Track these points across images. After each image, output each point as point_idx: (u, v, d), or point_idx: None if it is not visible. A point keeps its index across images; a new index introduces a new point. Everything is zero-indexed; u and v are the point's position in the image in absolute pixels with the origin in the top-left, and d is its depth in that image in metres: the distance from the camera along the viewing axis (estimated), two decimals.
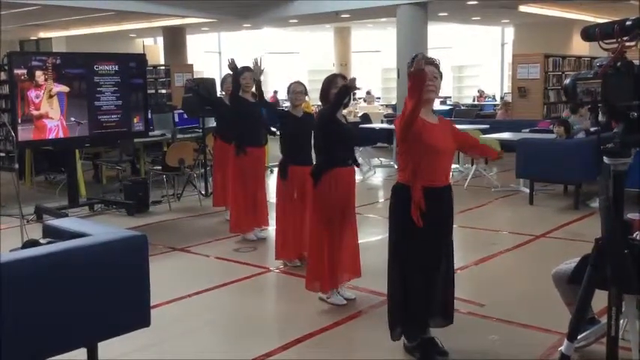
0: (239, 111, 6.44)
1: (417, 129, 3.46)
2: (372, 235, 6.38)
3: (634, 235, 2.92)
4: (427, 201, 3.50)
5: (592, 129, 8.96)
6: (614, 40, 2.47)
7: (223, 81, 7.31)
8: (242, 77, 6.36)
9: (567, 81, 2.59)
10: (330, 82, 4.58)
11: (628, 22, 2.41)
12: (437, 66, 3.59)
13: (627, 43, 2.46)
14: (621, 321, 3.11)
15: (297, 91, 5.36)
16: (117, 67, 7.76)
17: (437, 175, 3.57)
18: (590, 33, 2.59)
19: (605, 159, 2.56)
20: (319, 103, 4.77)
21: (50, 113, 7.15)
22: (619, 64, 2.44)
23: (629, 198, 2.66)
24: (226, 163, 6.87)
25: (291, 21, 17.81)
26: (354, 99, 20.09)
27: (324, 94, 4.58)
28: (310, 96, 6.50)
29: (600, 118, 2.72)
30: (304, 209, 5.24)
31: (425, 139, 3.48)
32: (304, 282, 4.73)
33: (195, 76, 15.67)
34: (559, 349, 3.59)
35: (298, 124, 5.35)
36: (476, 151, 4.10)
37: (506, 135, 9.80)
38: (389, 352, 3.75)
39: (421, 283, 3.59)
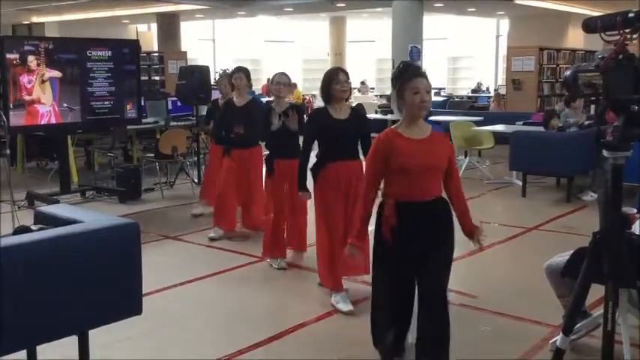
0: (226, 114, 6.33)
1: (387, 152, 3.19)
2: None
3: (631, 229, 2.91)
4: (402, 217, 3.20)
5: (586, 122, 8.90)
6: (616, 32, 2.44)
7: (219, 82, 7.24)
8: (234, 78, 6.16)
9: (568, 73, 2.56)
10: (330, 78, 4.36)
11: (630, 14, 2.38)
12: (427, 77, 3.25)
13: (629, 36, 2.43)
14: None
15: (280, 82, 5.16)
16: (110, 53, 7.69)
17: (413, 191, 3.22)
18: (591, 25, 2.56)
19: (604, 152, 2.54)
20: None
21: (42, 99, 7.08)
22: (621, 56, 2.42)
23: (626, 192, 2.65)
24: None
25: (286, 9, 17.71)
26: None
27: (325, 90, 4.37)
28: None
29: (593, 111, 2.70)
30: (293, 204, 5.12)
31: (394, 160, 3.18)
32: (301, 273, 4.68)
33: (188, 64, 15.58)
34: (550, 341, 3.61)
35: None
36: (455, 206, 3.46)
37: (499, 127, 9.81)
38: None
39: (386, 298, 3.37)
